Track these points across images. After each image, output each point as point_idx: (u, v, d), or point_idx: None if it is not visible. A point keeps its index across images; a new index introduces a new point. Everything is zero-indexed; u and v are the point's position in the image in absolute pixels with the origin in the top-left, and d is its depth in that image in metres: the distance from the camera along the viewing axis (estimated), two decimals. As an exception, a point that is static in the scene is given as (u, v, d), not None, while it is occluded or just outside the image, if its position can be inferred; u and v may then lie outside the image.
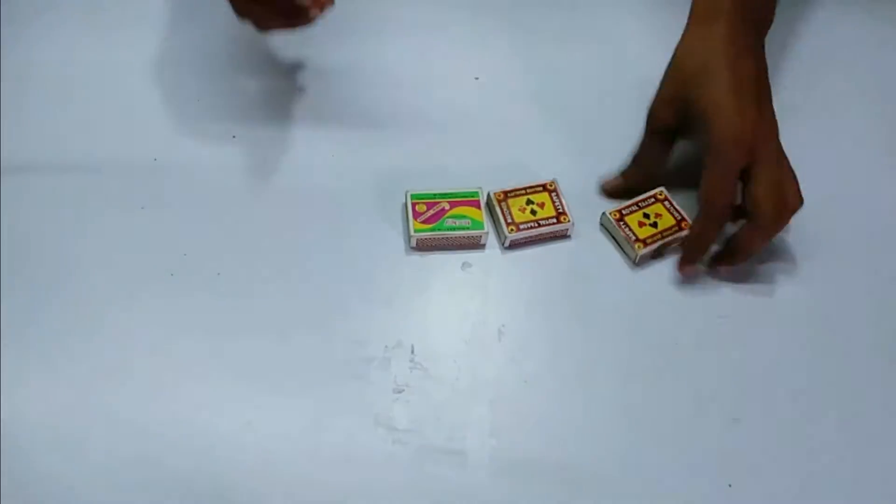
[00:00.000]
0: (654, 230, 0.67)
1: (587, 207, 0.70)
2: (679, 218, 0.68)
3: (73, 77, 0.77)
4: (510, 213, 0.68)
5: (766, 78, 0.64)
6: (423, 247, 0.67)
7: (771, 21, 0.66)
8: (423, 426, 0.59)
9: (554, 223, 0.67)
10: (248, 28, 0.82)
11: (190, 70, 0.78)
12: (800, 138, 0.66)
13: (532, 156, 0.73)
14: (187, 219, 0.68)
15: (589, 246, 0.69)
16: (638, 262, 0.67)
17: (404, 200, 0.68)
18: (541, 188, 0.69)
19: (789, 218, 0.63)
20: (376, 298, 0.65)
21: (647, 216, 0.68)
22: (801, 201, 0.63)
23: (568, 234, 0.68)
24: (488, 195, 0.70)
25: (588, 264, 0.67)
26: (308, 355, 0.62)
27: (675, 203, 0.69)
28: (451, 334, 0.64)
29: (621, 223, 0.67)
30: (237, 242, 0.67)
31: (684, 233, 0.67)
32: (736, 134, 0.60)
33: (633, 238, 0.67)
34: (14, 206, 0.68)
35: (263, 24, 0.62)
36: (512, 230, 0.67)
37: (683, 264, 0.65)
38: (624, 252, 0.68)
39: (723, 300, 0.66)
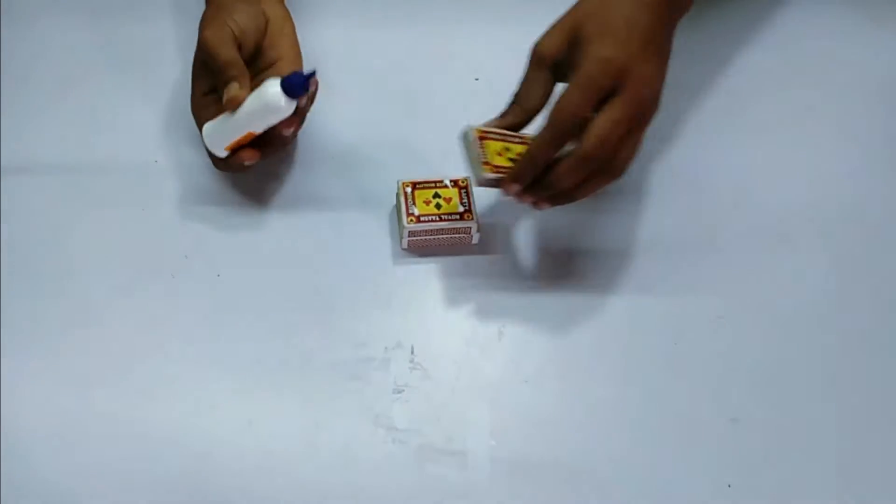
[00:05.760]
0: (510, 164, 0.61)
1: (583, 207, 0.70)
2: None
3: (74, 77, 0.77)
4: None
5: (667, 43, 0.62)
6: (416, 245, 0.67)
7: (687, 7, 0.64)
8: (423, 426, 0.60)
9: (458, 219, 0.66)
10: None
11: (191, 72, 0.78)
12: (800, 139, 0.66)
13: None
14: (188, 221, 0.69)
15: (586, 249, 0.69)
16: (478, 184, 0.61)
17: (396, 190, 0.68)
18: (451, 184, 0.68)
19: (612, 159, 0.58)
20: (376, 299, 0.65)
21: (508, 150, 0.62)
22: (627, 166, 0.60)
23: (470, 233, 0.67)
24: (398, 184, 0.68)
25: (585, 267, 0.67)
26: (308, 356, 0.62)
27: None
28: (451, 335, 0.64)
29: (481, 143, 0.60)
30: (238, 244, 0.68)
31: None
32: (609, 54, 0.58)
33: (483, 160, 0.60)
34: (14, 206, 0.69)
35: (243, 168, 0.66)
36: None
37: (510, 181, 0.60)
38: (472, 170, 0.61)
39: (721, 300, 0.66)
